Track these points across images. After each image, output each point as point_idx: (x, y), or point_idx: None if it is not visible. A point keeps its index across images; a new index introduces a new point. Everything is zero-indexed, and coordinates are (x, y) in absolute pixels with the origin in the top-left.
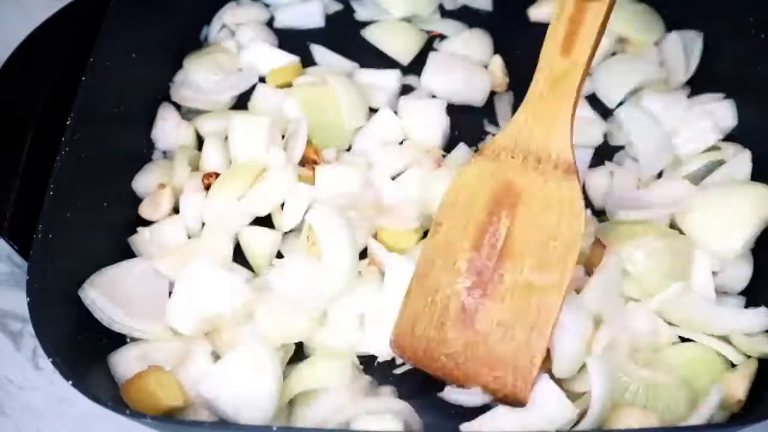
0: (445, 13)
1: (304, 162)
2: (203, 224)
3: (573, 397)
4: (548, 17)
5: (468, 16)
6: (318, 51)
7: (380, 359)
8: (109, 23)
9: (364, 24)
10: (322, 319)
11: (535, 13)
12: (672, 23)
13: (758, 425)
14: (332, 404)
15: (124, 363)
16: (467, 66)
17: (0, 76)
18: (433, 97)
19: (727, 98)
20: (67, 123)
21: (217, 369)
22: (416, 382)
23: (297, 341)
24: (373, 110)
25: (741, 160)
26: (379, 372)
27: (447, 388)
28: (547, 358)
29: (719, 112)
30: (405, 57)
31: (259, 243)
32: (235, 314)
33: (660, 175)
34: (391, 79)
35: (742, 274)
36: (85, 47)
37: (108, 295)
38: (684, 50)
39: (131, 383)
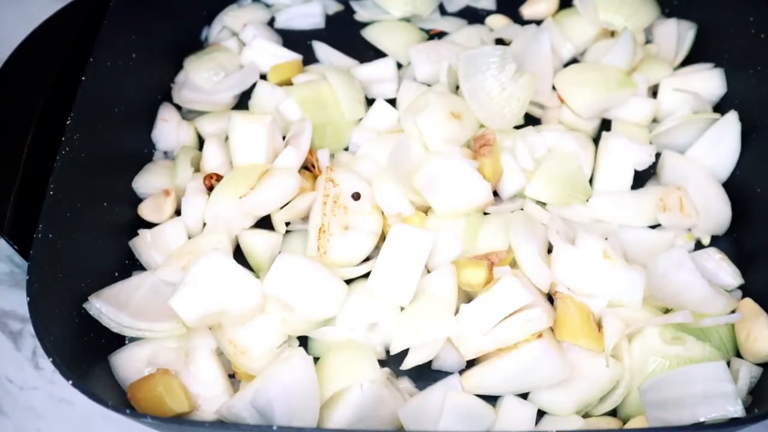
0: (445, 13)
1: (305, 164)
2: (203, 225)
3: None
4: (539, 15)
5: (468, 15)
6: (320, 48)
7: (392, 352)
8: (109, 23)
9: (364, 24)
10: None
11: (528, 12)
12: (669, 12)
13: (758, 425)
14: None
15: (126, 363)
16: (453, 48)
17: (0, 76)
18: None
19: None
20: (67, 123)
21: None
22: (427, 372)
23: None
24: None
25: (729, 120)
26: (391, 364)
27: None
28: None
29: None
30: (405, 56)
31: (259, 245)
32: (242, 310)
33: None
34: (387, 67)
35: (721, 215)
36: (85, 47)
37: (114, 303)
38: (677, 37)
39: (138, 386)
